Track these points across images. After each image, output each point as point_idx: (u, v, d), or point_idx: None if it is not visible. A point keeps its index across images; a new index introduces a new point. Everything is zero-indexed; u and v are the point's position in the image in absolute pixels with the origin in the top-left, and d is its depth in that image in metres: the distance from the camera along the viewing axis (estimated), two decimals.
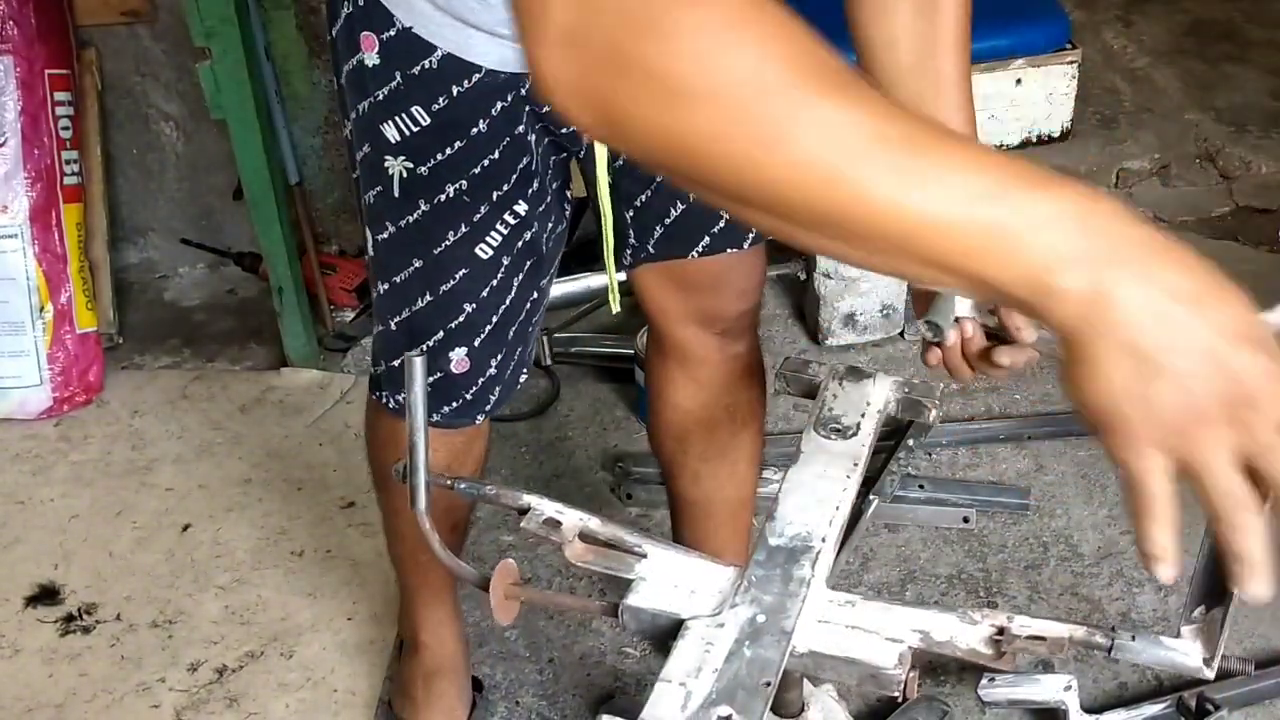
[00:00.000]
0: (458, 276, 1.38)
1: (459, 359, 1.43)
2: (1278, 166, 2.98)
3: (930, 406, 1.22)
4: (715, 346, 1.59)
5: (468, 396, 1.47)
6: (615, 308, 1.52)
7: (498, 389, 1.48)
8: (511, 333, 1.44)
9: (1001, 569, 2.08)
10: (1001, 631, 1.01)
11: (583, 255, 2.67)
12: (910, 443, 2.17)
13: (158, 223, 2.82)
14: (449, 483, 1.21)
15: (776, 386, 1.29)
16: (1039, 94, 2.97)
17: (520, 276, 1.41)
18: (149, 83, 2.69)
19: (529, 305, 1.44)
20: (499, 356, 1.44)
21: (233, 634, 2.04)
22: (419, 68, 1.27)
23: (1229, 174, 3.00)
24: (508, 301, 1.41)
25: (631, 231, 1.50)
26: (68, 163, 2.51)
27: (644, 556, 1.10)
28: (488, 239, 1.36)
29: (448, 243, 1.35)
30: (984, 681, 1.82)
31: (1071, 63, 2.96)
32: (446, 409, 1.48)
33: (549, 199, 1.40)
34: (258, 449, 2.37)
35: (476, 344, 1.43)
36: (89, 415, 2.49)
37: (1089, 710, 1.81)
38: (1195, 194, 2.98)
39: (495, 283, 1.39)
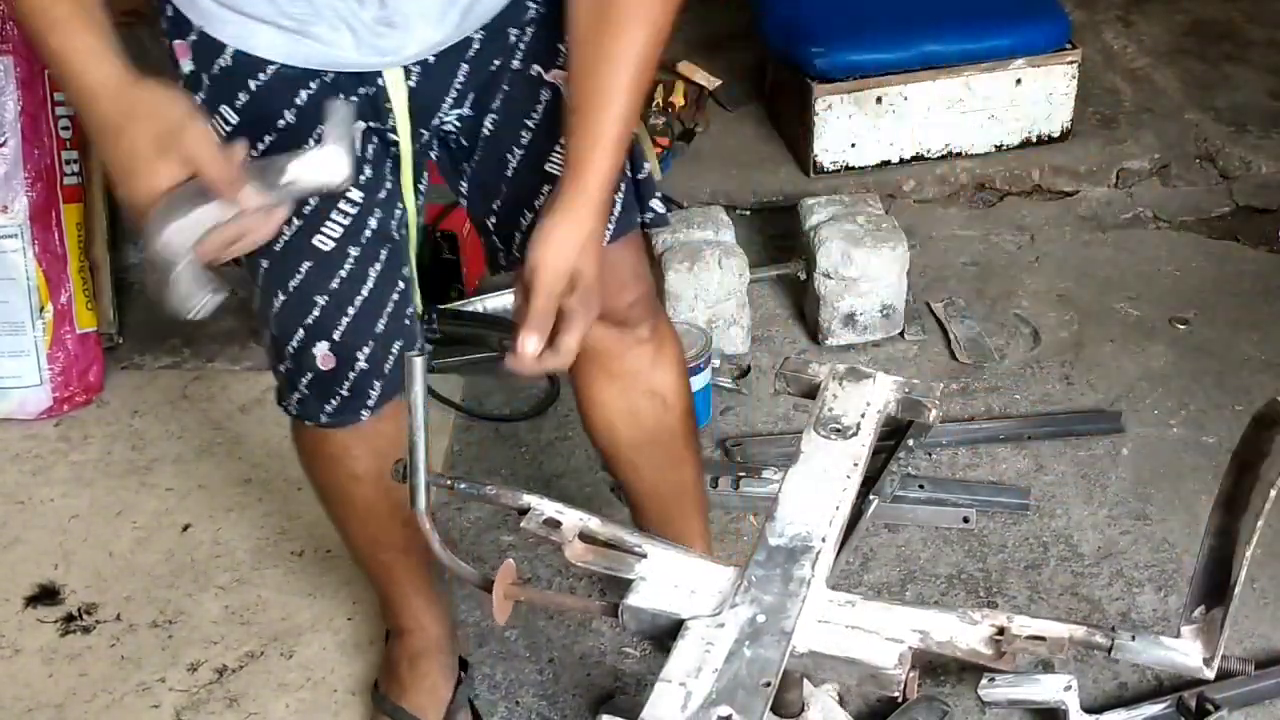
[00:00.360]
0: (303, 270, 1.39)
1: (322, 355, 1.43)
2: (1278, 166, 2.98)
3: (930, 406, 1.23)
4: (615, 338, 1.61)
5: (343, 393, 1.47)
6: (418, 305, 1.52)
7: (377, 383, 1.47)
8: (381, 325, 1.43)
9: (1001, 569, 2.08)
10: (1001, 631, 1.02)
11: None
12: (910, 443, 2.17)
13: None
14: (449, 483, 1.21)
15: (777, 386, 1.29)
16: (1039, 94, 2.97)
17: (378, 265, 1.41)
18: None
19: (397, 295, 1.44)
20: (367, 349, 1.44)
21: (233, 634, 2.04)
22: (217, 67, 1.29)
23: (1229, 174, 2.99)
24: (365, 292, 1.41)
25: (496, 239, 1.53)
26: (68, 163, 2.51)
27: (644, 556, 1.10)
28: (325, 230, 1.37)
29: (285, 238, 1.36)
30: (984, 681, 1.82)
31: (1071, 63, 2.97)
32: (328, 407, 1.49)
33: (389, 185, 1.41)
34: (258, 449, 2.37)
35: (337, 338, 1.43)
36: (89, 415, 2.49)
37: (1089, 710, 1.81)
38: (1195, 194, 2.97)
39: (345, 274, 1.39)
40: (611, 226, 1.46)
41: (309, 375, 1.46)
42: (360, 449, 1.56)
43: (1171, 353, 2.51)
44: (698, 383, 2.32)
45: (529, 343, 1.22)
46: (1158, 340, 2.54)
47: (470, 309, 2.60)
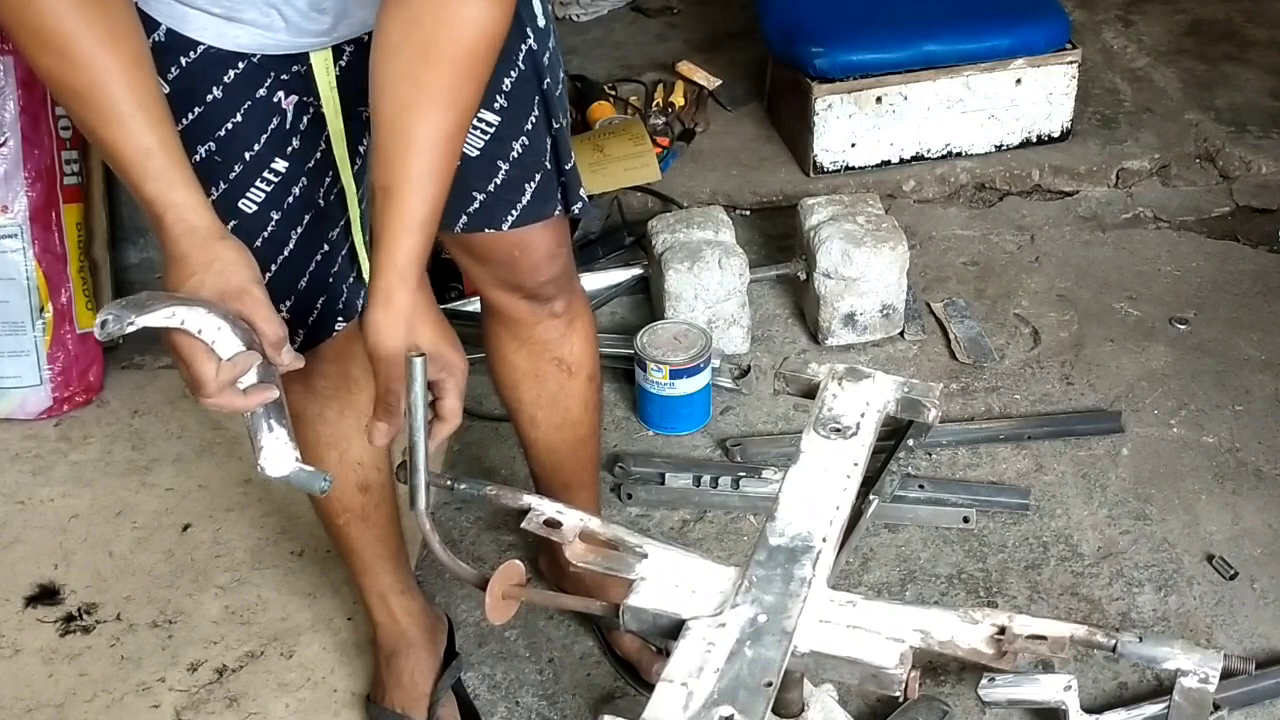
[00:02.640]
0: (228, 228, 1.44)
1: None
2: (1278, 166, 2.98)
3: (930, 406, 1.22)
4: (527, 309, 1.68)
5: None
6: (366, 276, 1.57)
7: (300, 331, 1.53)
8: (303, 283, 1.50)
9: (1001, 569, 2.08)
10: (1002, 631, 1.01)
11: (583, 257, 2.67)
12: (910, 443, 2.17)
13: None
14: (448, 482, 1.21)
15: (776, 386, 1.29)
16: (1039, 94, 2.97)
17: (300, 229, 1.47)
18: None
19: (320, 257, 1.50)
20: (288, 303, 1.49)
21: (233, 634, 2.04)
22: (152, 40, 1.31)
23: (1229, 174, 2.99)
24: (286, 252, 1.47)
25: None
26: (68, 163, 2.51)
27: (645, 556, 1.10)
28: (249, 195, 1.42)
29: (212, 197, 1.40)
30: (984, 681, 1.82)
31: (1071, 63, 2.97)
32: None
33: (318, 156, 1.46)
34: None
35: (288, 305, 1.50)
36: (89, 415, 2.49)
37: (1089, 710, 1.81)
38: (1195, 194, 2.98)
39: (266, 235, 1.45)
40: (515, 213, 1.55)
41: None
42: (299, 387, 1.60)
43: (1171, 353, 2.51)
44: (698, 383, 2.32)
45: (376, 433, 1.25)
46: (1157, 340, 2.54)
47: (469, 309, 2.60)
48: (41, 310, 2.45)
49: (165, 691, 1.96)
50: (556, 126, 1.55)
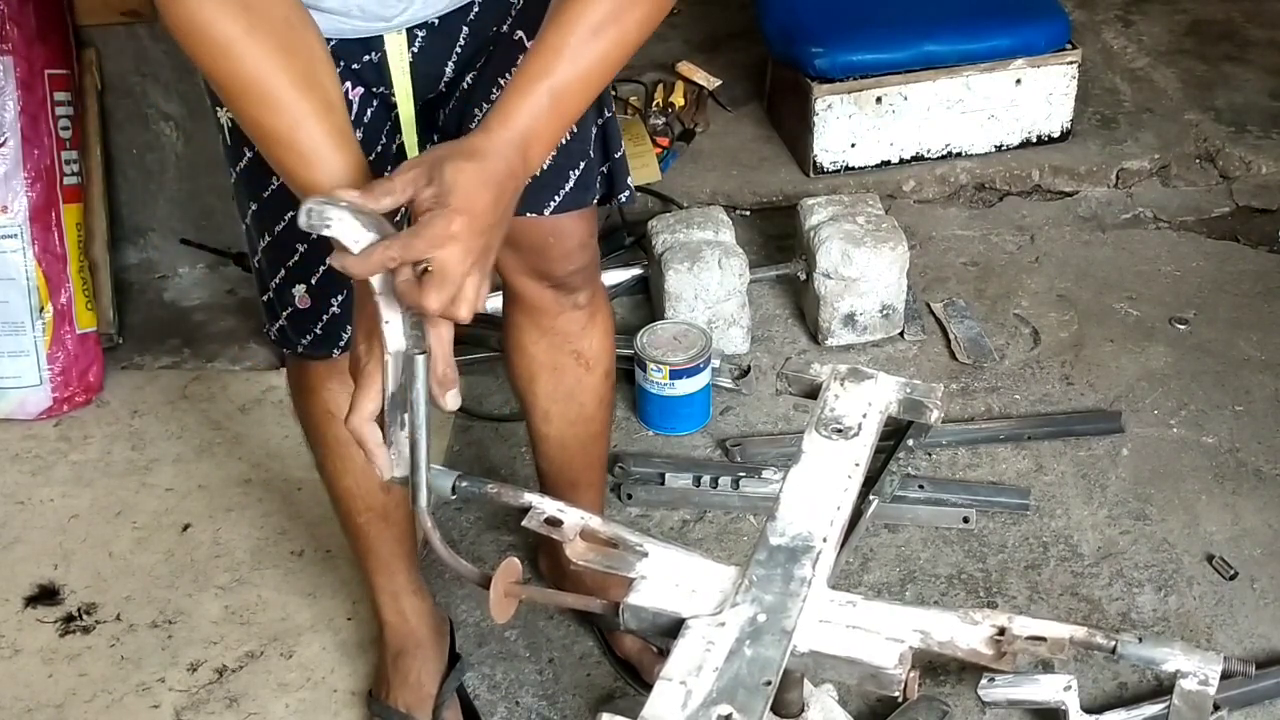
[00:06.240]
0: (286, 219, 1.46)
1: (300, 296, 1.52)
2: (1278, 166, 2.98)
3: (932, 407, 1.22)
4: (552, 298, 1.69)
5: (318, 331, 1.55)
6: None
7: (350, 326, 1.48)
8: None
9: (1001, 569, 2.08)
10: (1002, 632, 1.01)
11: None
12: (910, 443, 2.17)
13: (158, 223, 2.82)
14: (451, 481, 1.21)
15: (778, 386, 1.29)
16: (1039, 94, 2.97)
17: None
18: (149, 83, 2.69)
19: None
20: (341, 296, 1.50)
21: (233, 634, 2.04)
22: None
23: (1229, 174, 2.99)
24: None
25: None
26: (68, 163, 2.51)
27: (645, 555, 1.10)
28: None
29: (273, 186, 1.43)
30: (984, 681, 1.82)
31: (1071, 63, 2.97)
32: (304, 340, 1.57)
33: (380, 148, 1.46)
34: (258, 449, 2.37)
35: (314, 282, 1.50)
36: (89, 415, 2.49)
37: (1089, 710, 1.81)
38: (1195, 194, 2.98)
39: None
40: (558, 199, 1.55)
41: (288, 309, 1.54)
42: (335, 384, 1.61)
43: (1171, 353, 2.51)
44: (698, 383, 2.32)
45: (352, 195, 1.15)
46: (1157, 340, 2.54)
47: None
48: (41, 310, 2.45)
49: (165, 691, 1.96)
50: (606, 116, 1.58)
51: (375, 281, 1.11)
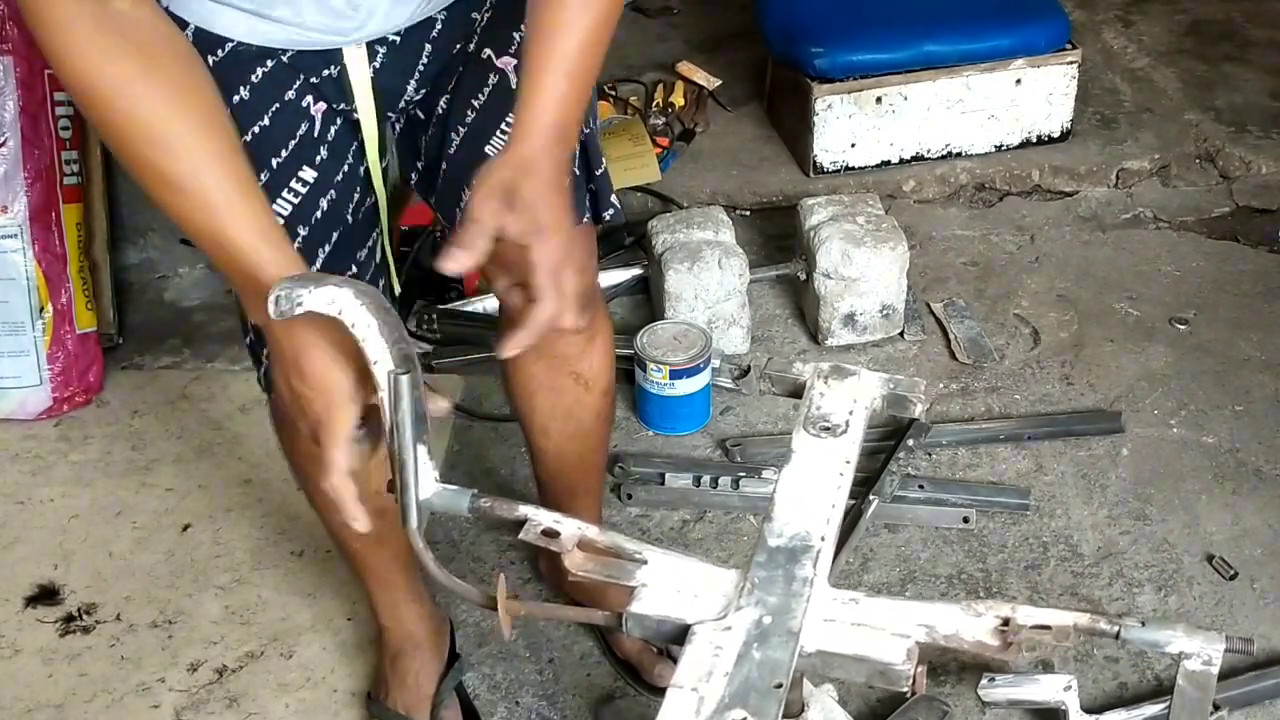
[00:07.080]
0: None
1: None
2: (1278, 166, 2.98)
3: (916, 401, 1.22)
4: None
5: None
6: (396, 288, 1.57)
7: None
8: None
9: (1001, 569, 2.08)
10: (1006, 622, 1.01)
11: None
12: (910, 443, 2.17)
13: (158, 223, 2.82)
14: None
15: (761, 387, 1.29)
16: (1039, 94, 2.97)
17: (327, 248, 1.43)
18: None
19: (350, 276, 1.46)
20: None
21: (233, 634, 2.04)
22: None
23: (1229, 174, 2.99)
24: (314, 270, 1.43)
25: (441, 217, 1.58)
26: (68, 163, 2.51)
27: (644, 563, 1.09)
28: (276, 206, 1.38)
29: None
30: (984, 681, 1.82)
31: (1071, 63, 2.96)
32: None
33: (347, 168, 1.43)
34: (258, 449, 2.37)
35: None
36: (89, 415, 2.49)
37: (1089, 710, 1.81)
38: (1195, 194, 2.97)
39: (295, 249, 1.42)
40: None
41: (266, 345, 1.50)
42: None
43: (1171, 353, 2.51)
44: (698, 383, 2.32)
45: (450, 258, 1.16)
46: (1157, 340, 2.54)
47: (469, 309, 2.60)
48: (41, 310, 2.44)
49: (165, 691, 1.96)
50: (585, 133, 1.51)
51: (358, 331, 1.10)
